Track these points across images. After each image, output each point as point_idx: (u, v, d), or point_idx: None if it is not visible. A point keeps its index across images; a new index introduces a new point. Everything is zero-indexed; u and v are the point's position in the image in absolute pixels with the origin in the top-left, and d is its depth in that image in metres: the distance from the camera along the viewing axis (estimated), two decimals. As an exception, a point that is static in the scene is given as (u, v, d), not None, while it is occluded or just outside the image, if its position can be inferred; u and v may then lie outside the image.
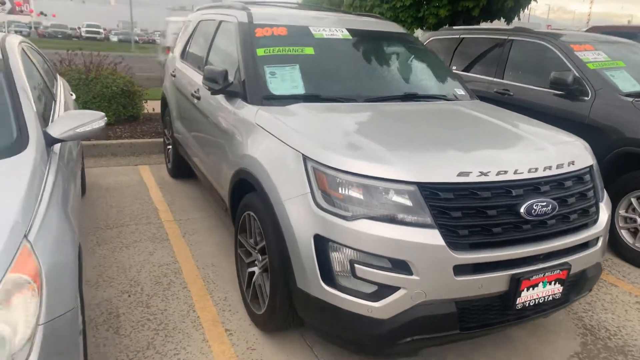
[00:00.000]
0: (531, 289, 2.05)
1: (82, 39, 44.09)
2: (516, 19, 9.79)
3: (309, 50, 3.11)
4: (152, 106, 7.75)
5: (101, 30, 48.63)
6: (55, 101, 3.14)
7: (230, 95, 2.96)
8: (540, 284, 2.07)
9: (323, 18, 3.56)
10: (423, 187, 1.93)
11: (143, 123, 7.01)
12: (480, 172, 1.99)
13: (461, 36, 5.52)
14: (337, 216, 1.97)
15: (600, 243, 2.32)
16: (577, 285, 2.31)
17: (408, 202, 1.93)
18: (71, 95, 4.06)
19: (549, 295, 2.13)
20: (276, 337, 2.53)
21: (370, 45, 3.44)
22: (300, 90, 2.84)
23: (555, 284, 2.11)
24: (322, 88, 2.92)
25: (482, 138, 2.41)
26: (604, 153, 3.73)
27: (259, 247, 2.47)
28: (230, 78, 2.94)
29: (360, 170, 1.97)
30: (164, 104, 5.03)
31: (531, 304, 2.09)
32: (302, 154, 2.14)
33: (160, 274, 3.10)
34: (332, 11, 4.29)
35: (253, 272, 2.60)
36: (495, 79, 4.84)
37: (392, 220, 1.92)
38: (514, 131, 2.50)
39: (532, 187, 2.08)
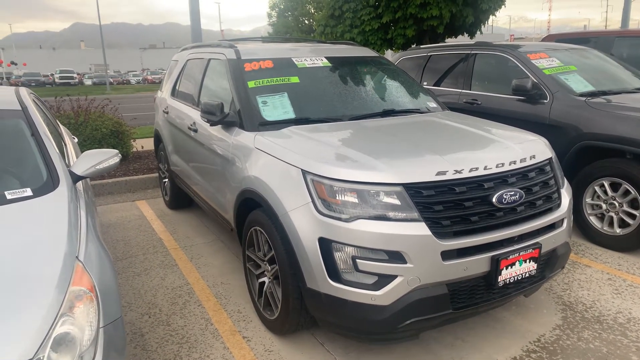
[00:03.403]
0: (510, 267, 2.36)
1: (55, 85, 44.17)
2: (480, 32, 10.40)
3: (295, 79, 3.45)
4: (140, 144, 8.02)
5: (75, 75, 48.80)
6: (65, 144, 3.41)
7: (228, 125, 3.27)
8: (517, 263, 2.39)
9: (303, 49, 3.92)
10: (408, 187, 2.25)
11: (133, 161, 7.25)
12: (455, 170, 2.33)
13: (429, 54, 5.97)
14: (337, 219, 2.27)
15: (565, 224, 2.67)
16: (550, 262, 2.64)
17: (396, 201, 2.25)
18: (73, 138, 4.31)
19: (526, 272, 2.45)
20: (290, 339, 2.78)
21: (348, 69, 3.81)
22: (290, 115, 3.17)
23: (530, 262, 2.44)
24: (310, 111, 3.25)
25: (455, 142, 2.76)
26: (566, 148, 4.14)
27: (268, 258, 2.74)
28: (226, 110, 3.26)
29: (353, 178, 2.29)
30: (158, 140, 5.30)
31: (511, 281, 2.40)
32: (301, 169, 2.45)
33: (175, 295, 3.33)
34: (309, 42, 4.67)
35: (263, 282, 2.86)
36: (463, 91, 5.27)
37: (384, 217, 2.23)
38: (481, 134, 2.86)
39: (501, 179, 2.42)
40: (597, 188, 3.96)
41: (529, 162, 2.56)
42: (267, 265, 2.78)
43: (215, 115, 3.19)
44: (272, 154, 2.73)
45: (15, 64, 62.71)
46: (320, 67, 3.64)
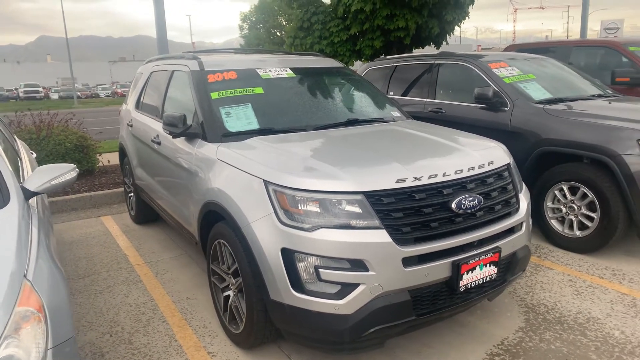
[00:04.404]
0: (470, 272, 2.40)
1: (20, 100, 42.94)
2: (445, 43, 10.66)
3: (259, 90, 3.45)
4: (106, 158, 7.84)
5: (40, 89, 47.51)
6: (21, 159, 3.30)
7: (191, 137, 3.23)
8: (478, 267, 2.43)
9: (267, 60, 3.93)
10: (368, 195, 2.27)
11: (99, 176, 7.08)
12: (414, 177, 2.36)
13: (394, 64, 6.08)
14: (299, 229, 2.26)
15: (524, 228, 2.73)
16: (510, 266, 2.69)
17: (358, 209, 2.26)
18: (32, 153, 4.18)
19: (487, 276, 2.49)
20: (256, 352, 2.74)
21: (312, 80, 3.83)
22: (254, 125, 3.16)
23: (490, 266, 2.48)
24: (274, 122, 3.25)
25: (415, 150, 2.80)
26: (526, 154, 4.26)
27: (232, 271, 2.70)
28: (189, 122, 3.22)
29: (315, 187, 2.29)
30: (123, 154, 5.20)
31: (473, 285, 2.43)
32: (263, 180, 2.44)
33: (139, 312, 3.25)
34: (275, 53, 4.69)
35: (228, 296, 2.81)
36: (428, 100, 5.37)
37: (346, 226, 2.23)
38: (441, 142, 2.91)
39: (460, 185, 2.47)
40: (557, 192, 4.08)
41: (487, 168, 2.62)
42: (232, 278, 2.74)
43: (178, 127, 3.15)
44: (234, 165, 2.70)
45: (-23, 79, 60.72)
46: (285, 77, 3.65)
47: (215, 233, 2.83)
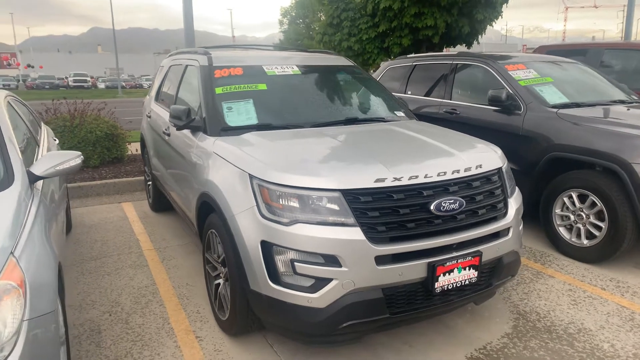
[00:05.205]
0: (447, 274, 2.40)
1: (69, 88, 44.99)
2: (477, 42, 10.42)
3: (262, 86, 3.53)
4: (135, 147, 8.17)
5: (88, 79, 49.65)
6: (38, 146, 3.53)
7: (194, 130, 3.36)
8: (456, 270, 2.43)
9: (276, 57, 4.01)
10: (346, 193, 2.31)
11: (127, 164, 7.39)
12: (394, 177, 2.38)
13: (414, 63, 6.04)
14: (278, 223, 2.34)
15: (511, 233, 2.70)
16: (496, 271, 2.68)
17: (334, 206, 2.31)
18: (54, 140, 4.44)
19: (466, 280, 2.48)
20: (241, 339, 2.84)
21: (318, 78, 3.89)
22: (253, 120, 3.25)
23: (469, 269, 2.47)
24: (273, 118, 3.33)
25: (404, 150, 2.81)
26: (538, 159, 4.17)
27: (221, 260, 2.82)
28: (195, 115, 3.35)
29: (295, 183, 2.35)
30: (143, 144, 5.43)
31: (450, 288, 2.44)
32: (249, 174, 2.53)
33: (139, 295, 3.42)
34: (288, 50, 4.76)
35: (219, 284, 2.93)
36: (444, 100, 5.31)
37: (322, 222, 2.29)
38: (433, 143, 2.91)
39: (442, 188, 2.47)
40: (566, 199, 3.98)
41: (473, 172, 2.60)
42: (221, 267, 2.86)
43: (181, 119, 3.28)
44: (226, 158, 2.81)
45: (32, 67, 64.08)
46: (290, 75, 3.72)
47: (209, 223, 2.95)
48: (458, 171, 2.55)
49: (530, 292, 3.40)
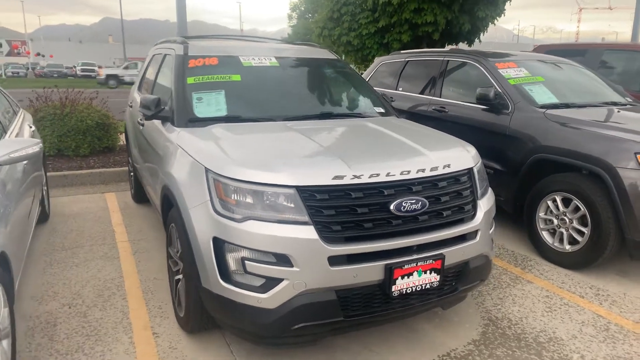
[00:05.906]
0: (406, 277, 2.30)
1: (77, 77, 45.13)
2: (478, 40, 10.24)
3: (236, 77, 3.43)
4: (126, 137, 8.10)
5: (96, 68, 49.64)
6: (5, 132, 3.45)
7: (163, 120, 3.27)
8: (415, 273, 2.32)
9: (256, 48, 3.91)
10: (302, 189, 2.21)
11: (118, 154, 7.31)
12: (354, 175, 2.27)
13: (406, 59, 5.90)
14: (230, 219, 2.24)
15: (479, 236, 2.58)
16: (462, 275, 2.56)
17: (288, 203, 2.20)
18: (30, 127, 4.37)
19: (427, 284, 2.37)
20: (198, 337, 2.76)
21: (296, 70, 3.78)
22: (223, 112, 3.15)
23: (430, 273, 2.36)
24: (243, 110, 3.23)
25: (371, 147, 2.70)
26: (523, 160, 4.04)
27: (179, 255, 2.73)
28: (166, 105, 3.26)
29: (249, 178, 2.25)
30: (126, 134, 5.35)
31: (409, 291, 2.33)
32: (205, 167, 2.43)
33: (104, 288, 3.34)
34: (271, 42, 4.64)
35: (179, 279, 2.84)
36: (433, 98, 5.18)
37: (274, 219, 2.19)
38: (403, 141, 2.79)
39: (405, 187, 2.36)
40: (549, 203, 3.84)
41: (440, 172, 2.49)
42: (181, 262, 2.77)
43: (150, 109, 3.18)
44: (187, 150, 2.71)
45: (43, 56, 64.35)
46: (267, 66, 3.61)
47: (170, 217, 2.85)
48: (423, 170, 2.44)
49: (506, 298, 3.28)
